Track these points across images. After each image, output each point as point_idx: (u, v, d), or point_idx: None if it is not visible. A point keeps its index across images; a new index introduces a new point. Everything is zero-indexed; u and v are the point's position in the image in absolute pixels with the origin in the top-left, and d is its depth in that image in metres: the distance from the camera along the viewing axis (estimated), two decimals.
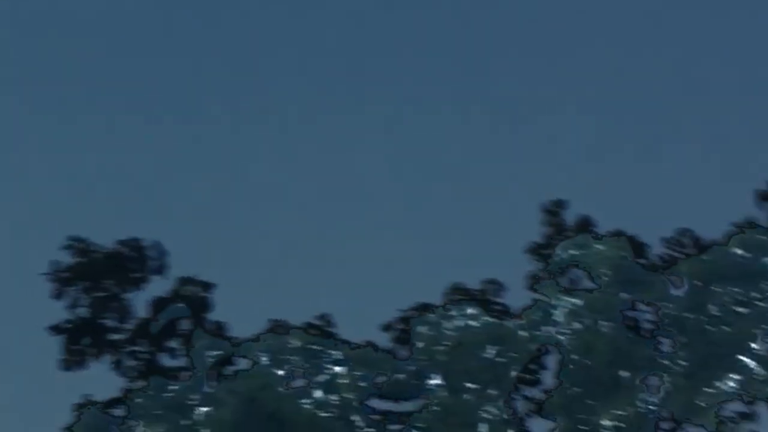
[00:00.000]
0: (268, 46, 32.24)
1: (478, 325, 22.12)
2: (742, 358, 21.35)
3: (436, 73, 31.73)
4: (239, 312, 24.68)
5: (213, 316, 25.07)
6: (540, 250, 24.71)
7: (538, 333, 22.10)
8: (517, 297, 23.94)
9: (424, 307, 23.02)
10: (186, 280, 25.49)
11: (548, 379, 22.49)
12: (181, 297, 25.36)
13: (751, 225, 23.18)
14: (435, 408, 21.41)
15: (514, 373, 21.71)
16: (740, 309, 21.66)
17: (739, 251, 22.25)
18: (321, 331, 23.22)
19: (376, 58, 31.70)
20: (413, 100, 31.38)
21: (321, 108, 30.81)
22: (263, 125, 31.17)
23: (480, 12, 32.12)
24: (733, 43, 30.70)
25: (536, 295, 23.49)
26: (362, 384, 21.50)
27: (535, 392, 23.36)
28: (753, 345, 21.37)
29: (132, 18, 31.61)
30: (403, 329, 22.85)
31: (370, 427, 21.52)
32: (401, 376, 21.65)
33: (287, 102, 31.57)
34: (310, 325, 23.30)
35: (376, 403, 22.11)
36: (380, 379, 21.60)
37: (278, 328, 23.40)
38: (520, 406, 23.20)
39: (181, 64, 31.03)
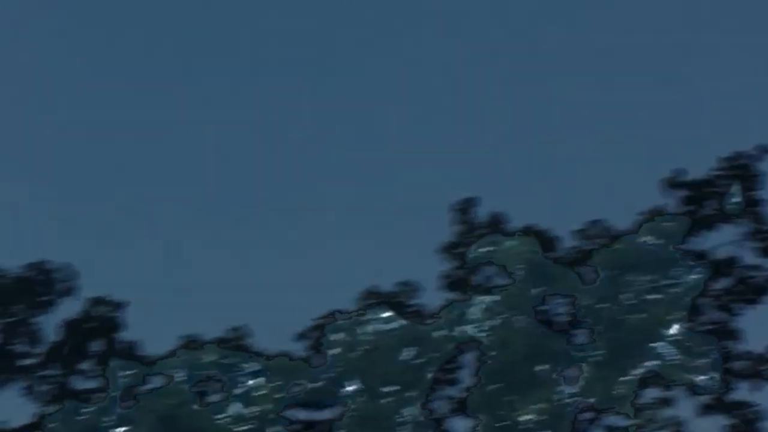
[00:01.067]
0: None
1: (393, 327, 22.01)
2: (657, 344, 21.48)
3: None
4: (152, 330, 24.40)
5: (125, 335, 24.83)
6: (452, 250, 24.77)
7: (454, 333, 22.05)
8: (432, 297, 23.94)
9: (338, 314, 22.92)
10: (97, 301, 25.22)
11: (467, 377, 22.49)
12: (93, 318, 25.08)
13: (659, 213, 23.39)
14: (353, 414, 21.25)
15: (431, 374, 21.62)
16: (653, 296, 21.79)
17: (649, 239, 22.40)
18: (235, 344, 23.05)
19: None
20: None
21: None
22: (162, 136, 30.80)
23: None
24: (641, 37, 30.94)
25: (451, 295, 23.52)
26: (279, 395, 21.29)
27: (454, 391, 23.37)
28: (667, 331, 21.52)
29: None
30: (317, 337, 22.73)
31: None
32: (318, 384, 21.47)
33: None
34: (223, 339, 23.14)
35: (295, 414, 21.96)
36: (297, 388, 21.42)
37: (192, 343, 23.18)
38: (440, 406, 23.19)
39: None
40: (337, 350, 21.92)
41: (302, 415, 22.26)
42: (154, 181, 29.82)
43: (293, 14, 32.11)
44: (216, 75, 31.22)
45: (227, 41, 32.23)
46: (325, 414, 22.13)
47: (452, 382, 23.12)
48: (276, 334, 23.26)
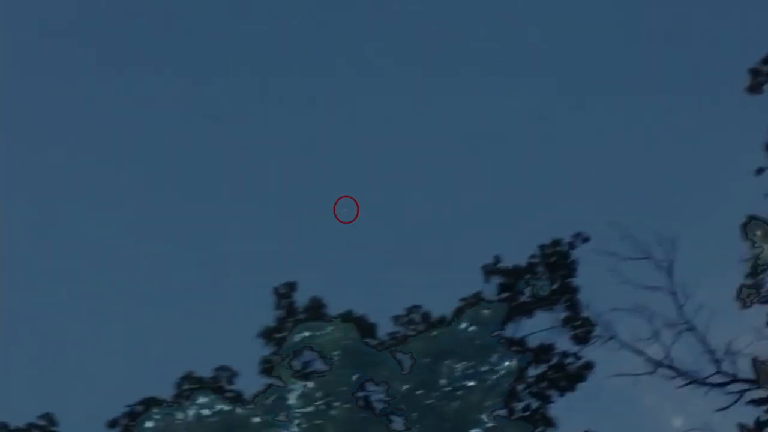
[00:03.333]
0: None
1: (210, 413, 21.74)
2: (473, 431, 21.62)
3: None
4: None
5: None
6: (272, 334, 24.54)
7: (272, 418, 21.89)
8: (250, 383, 23.61)
9: (153, 401, 22.48)
10: None
11: None
12: None
13: (477, 300, 23.57)
14: None
15: None
16: (469, 383, 21.95)
17: (467, 326, 22.63)
18: (44, 431, 22.47)
19: None
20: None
21: None
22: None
23: None
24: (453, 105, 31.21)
25: (269, 380, 23.30)
26: None
27: None
28: (483, 417, 21.68)
29: None
30: (130, 425, 22.24)
31: None
32: None
33: None
34: (32, 425, 22.53)
35: None
36: None
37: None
38: None
39: None
40: None
41: None
42: None
43: None
44: None
45: None
46: None
47: None
48: (86, 421, 22.63)
